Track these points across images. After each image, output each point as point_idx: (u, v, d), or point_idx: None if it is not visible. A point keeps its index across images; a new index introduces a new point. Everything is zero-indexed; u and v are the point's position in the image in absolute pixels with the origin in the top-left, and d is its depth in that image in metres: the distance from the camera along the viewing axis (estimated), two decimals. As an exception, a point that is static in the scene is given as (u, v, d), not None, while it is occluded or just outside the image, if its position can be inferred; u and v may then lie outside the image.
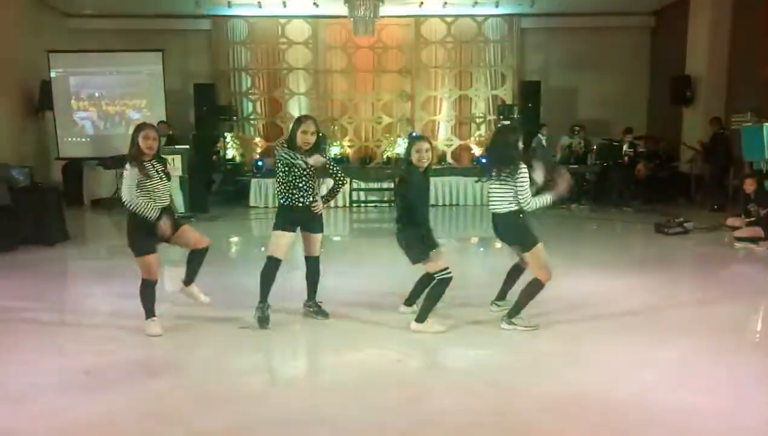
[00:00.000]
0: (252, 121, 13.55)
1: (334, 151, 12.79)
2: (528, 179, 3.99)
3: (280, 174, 4.19)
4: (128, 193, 3.93)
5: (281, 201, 4.25)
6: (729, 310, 4.71)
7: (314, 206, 4.25)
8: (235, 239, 8.71)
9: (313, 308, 4.51)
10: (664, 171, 11.01)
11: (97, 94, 11.58)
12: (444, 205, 11.39)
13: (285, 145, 4.20)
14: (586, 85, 13.25)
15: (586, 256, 6.83)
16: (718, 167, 9.96)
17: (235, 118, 13.09)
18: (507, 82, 13.42)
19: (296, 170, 4.15)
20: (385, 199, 11.36)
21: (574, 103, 13.37)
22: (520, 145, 4.13)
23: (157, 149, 4.05)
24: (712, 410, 2.99)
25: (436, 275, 4.09)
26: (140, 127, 4.09)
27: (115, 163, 10.60)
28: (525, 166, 4.02)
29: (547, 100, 12.68)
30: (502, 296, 4.57)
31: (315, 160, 4.11)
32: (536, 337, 4.08)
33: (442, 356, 3.92)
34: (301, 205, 4.21)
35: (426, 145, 4.14)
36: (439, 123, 13.60)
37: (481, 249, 8.42)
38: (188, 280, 4.38)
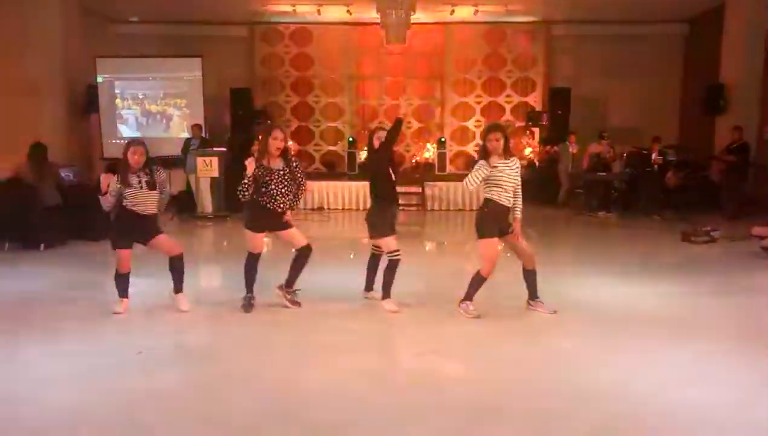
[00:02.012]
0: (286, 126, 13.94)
1: (364, 155, 13.08)
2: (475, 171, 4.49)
3: (262, 183, 4.55)
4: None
5: (262, 203, 4.60)
6: (749, 316, 4.80)
7: (286, 216, 4.72)
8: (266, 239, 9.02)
9: (291, 295, 4.85)
10: (695, 180, 10.95)
11: (140, 96, 12.10)
12: (471, 209, 11.53)
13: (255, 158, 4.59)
14: (617, 93, 13.25)
15: (612, 261, 6.94)
16: (735, 176, 9.97)
17: (269, 121, 13.49)
18: (537, 88, 13.52)
19: (275, 177, 4.54)
20: (414, 202, 11.57)
21: (605, 111, 13.39)
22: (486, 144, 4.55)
23: (144, 162, 4.59)
24: (722, 405, 3.15)
25: (388, 255, 4.75)
26: (130, 143, 4.66)
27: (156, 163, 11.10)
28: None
29: (576, 108, 12.74)
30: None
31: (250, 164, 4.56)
32: (557, 336, 4.26)
33: (462, 349, 4.12)
34: (280, 210, 4.62)
35: (384, 133, 4.83)
36: (468, 129, 13.77)
37: (507, 254, 8.56)
38: (177, 288, 4.83)
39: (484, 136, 4.60)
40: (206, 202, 10.24)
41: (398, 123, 4.95)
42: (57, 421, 2.98)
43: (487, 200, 4.55)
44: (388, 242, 4.77)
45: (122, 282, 4.74)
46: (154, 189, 4.64)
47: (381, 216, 4.81)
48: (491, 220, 4.53)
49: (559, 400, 3.23)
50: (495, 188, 4.49)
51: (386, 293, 4.83)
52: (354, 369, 3.72)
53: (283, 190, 4.60)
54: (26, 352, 3.91)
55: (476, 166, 4.49)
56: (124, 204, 4.56)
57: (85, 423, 2.97)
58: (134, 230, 4.61)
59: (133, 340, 4.17)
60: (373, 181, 4.92)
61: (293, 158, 4.80)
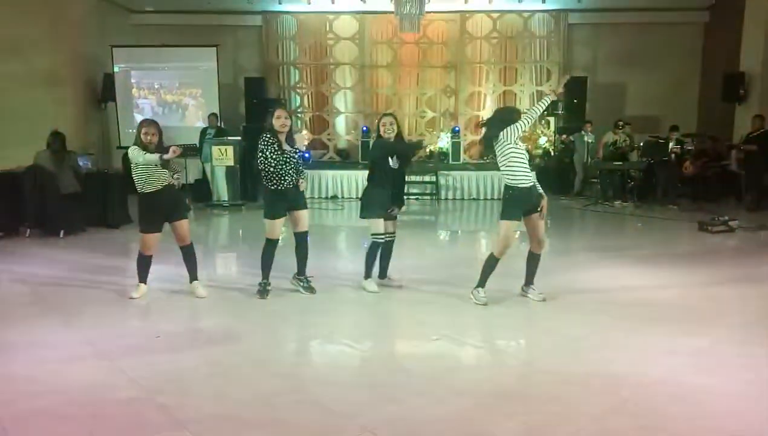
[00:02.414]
0: (299, 114, 13.96)
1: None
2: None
3: (270, 161, 4.60)
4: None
5: (271, 187, 4.68)
6: (763, 306, 4.75)
7: (300, 183, 4.79)
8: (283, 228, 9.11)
9: (303, 282, 4.95)
10: (712, 169, 10.82)
11: (156, 85, 12.20)
12: (486, 199, 11.52)
13: (267, 136, 4.65)
14: (634, 82, 13.08)
15: (628, 250, 6.90)
16: (755, 165, 9.79)
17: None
18: (552, 77, 13.39)
19: (284, 155, 4.61)
20: (428, 192, 11.57)
21: (622, 99, 13.23)
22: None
23: (157, 142, 4.66)
24: (732, 392, 3.16)
25: (371, 235, 4.91)
26: (142, 124, 4.73)
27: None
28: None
29: (593, 97, 12.60)
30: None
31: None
32: (571, 322, 4.26)
33: (476, 335, 4.15)
34: (291, 186, 4.68)
35: (390, 120, 4.93)
36: (482, 118, 13.69)
37: (522, 243, 8.55)
38: (192, 276, 4.97)
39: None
40: (222, 190, 10.33)
41: (418, 144, 5.59)
42: (80, 401, 3.05)
43: (509, 186, 4.60)
44: (376, 224, 4.89)
45: (144, 265, 4.87)
46: (166, 168, 4.71)
47: (371, 197, 4.92)
48: (514, 203, 4.57)
49: (570, 385, 3.24)
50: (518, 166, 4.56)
51: (367, 273, 5.02)
52: (367, 353, 3.77)
53: (290, 171, 4.67)
54: (49, 335, 4.01)
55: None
56: (147, 190, 4.64)
57: (108, 403, 3.04)
58: (163, 208, 4.71)
59: (153, 324, 4.27)
60: (371, 167, 5.03)
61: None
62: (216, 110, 11.67)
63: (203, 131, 11.02)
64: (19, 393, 3.14)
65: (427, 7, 10.84)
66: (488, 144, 4.72)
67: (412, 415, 2.92)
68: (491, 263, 4.62)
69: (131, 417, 2.91)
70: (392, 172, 4.92)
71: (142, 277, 4.88)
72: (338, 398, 3.10)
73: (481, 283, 4.64)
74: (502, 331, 4.20)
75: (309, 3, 12.52)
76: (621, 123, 11.20)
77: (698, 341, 3.89)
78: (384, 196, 4.92)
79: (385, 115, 5.11)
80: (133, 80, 12.16)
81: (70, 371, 3.41)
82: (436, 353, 3.78)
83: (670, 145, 10.63)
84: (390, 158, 4.88)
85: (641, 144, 11.17)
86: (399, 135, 4.97)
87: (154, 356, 3.64)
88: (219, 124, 11.20)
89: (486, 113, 13.60)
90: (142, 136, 4.63)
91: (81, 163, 8.28)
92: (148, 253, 4.82)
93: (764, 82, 10.84)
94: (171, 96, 12.23)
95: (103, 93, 11.97)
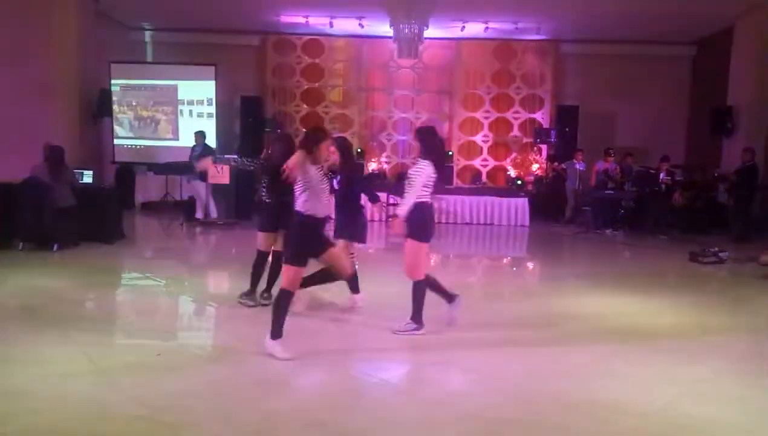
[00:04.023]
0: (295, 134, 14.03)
1: (372, 166, 13.17)
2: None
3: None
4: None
5: (270, 202, 4.83)
6: (756, 337, 4.84)
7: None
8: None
9: (270, 299, 4.87)
10: (701, 201, 11.02)
11: (151, 103, 12.21)
12: (478, 223, 11.60)
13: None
14: (625, 112, 13.36)
15: (621, 279, 6.96)
16: (744, 197, 10.02)
17: (279, 130, 13.58)
18: (545, 105, 13.63)
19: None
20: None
21: (612, 129, 13.48)
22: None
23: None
24: (731, 424, 3.20)
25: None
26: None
27: (166, 169, 11.22)
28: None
29: (584, 126, 12.83)
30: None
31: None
32: (571, 350, 4.29)
33: (475, 361, 4.14)
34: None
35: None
36: (475, 143, 13.87)
37: (514, 269, 8.63)
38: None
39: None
40: (211, 208, 10.36)
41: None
42: (77, 418, 3.01)
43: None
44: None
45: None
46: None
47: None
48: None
49: (573, 414, 3.25)
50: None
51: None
52: (373, 377, 3.76)
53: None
54: (44, 350, 3.94)
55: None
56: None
57: (106, 420, 3.00)
58: None
59: (153, 342, 4.21)
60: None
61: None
62: (213, 128, 11.71)
63: (193, 149, 11.03)
64: (19, 409, 3.09)
65: (425, 34, 11.04)
66: None
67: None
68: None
69: (134, 436, 2.87)
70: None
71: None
72: (336, 423, 3.07)
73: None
74: (502, 358, 4.21)
75: (308, 25, 12.67)
76: (611, 150, 11.40)
77: (698, 371, 3.94)
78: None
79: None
80: (128, 97, 12.17)
81: (70, 388, 3.36)
82: (436, 377, 3.78)
83: (661, 175, 10.82)
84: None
85: (633, 172, 11.36)
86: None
87: (155, 373, 3.60)
88: (205, 142, 11.20)
89: (479, 139, 13.80)
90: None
91: (84, 178, 8.29)
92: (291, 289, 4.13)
93: (751, 116, 11.12)
94: (165, 116, 12.28)
95: (98, 108, 11.96)
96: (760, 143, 10.77)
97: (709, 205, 11.07)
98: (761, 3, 10.45)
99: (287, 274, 3.84)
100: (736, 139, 11.37)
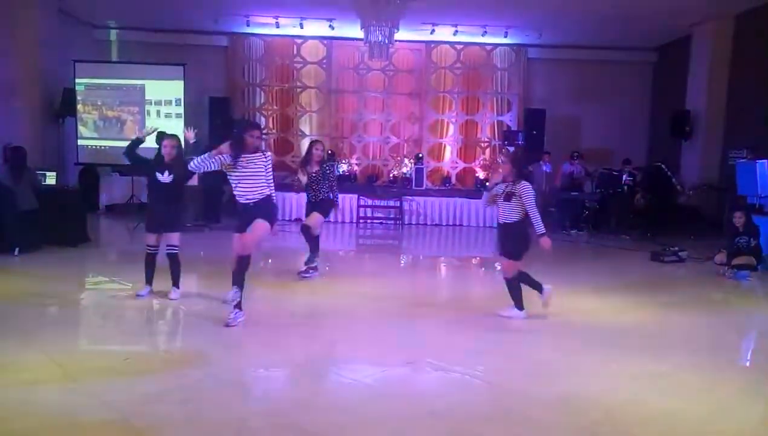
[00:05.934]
0: (264, 136, 13.91)
1: (343, 168, 13.18)
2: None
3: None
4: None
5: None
6: (715, 331, 5.07)
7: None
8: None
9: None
10: (662, 202, 11.35)
11: (117, 103, 11.98)
12: (447, 224, 11.74)
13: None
14: (590, 116, 13.70)
15: (585, 278, 7.17)
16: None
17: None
18: (513, 108, 13.87)
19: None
20: (391, 216, 11.71)
21: (578, 132, 13.81)
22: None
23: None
24: (694, 415, 3.35)
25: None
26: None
27: (131, 170, 10.99)
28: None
29: (551, 128, 13.11)
30: None
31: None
32: (537, 347, 4.40)
33: (445, 360, 4.21)
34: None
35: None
36: (445, 145, 14.01)
37: (483, 269, 8.76)
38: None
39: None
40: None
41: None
42: (53, 425, 2.96)
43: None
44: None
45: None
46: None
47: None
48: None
49: (542, 409, 3.35)
50: None
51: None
52: (344, 377, 3.79)
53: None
54: (9, 357, 3.84)
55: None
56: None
57: (77, 426, 2.96)
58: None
59: (120, 346, 4.15)
60: None
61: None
62: (181, 129, 11.50)
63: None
64: (-16, 418, 3.02)
65: (395, 37, 11.11)
66: None
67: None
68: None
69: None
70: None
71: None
72: (315, 424, 3.10)
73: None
74: (472, 355, 4.29)
75: (278, 26, 12.61)
76: (576, 153, 11.68)
77: (660, 366, 4.09)
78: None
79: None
80: (93, 97, 11.91)
81: (39, 394, 3.29)
82: (408, 377, 3.84)
83: (624, 177, 11.13)
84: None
85: (595, 174, 11.65)
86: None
87: (125, 378, 3.55)
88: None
89: (449, 141, 13.95)
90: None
91: (47, 180, 8.07)
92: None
93: (709, 121, 11.55)
94: (132, 117, 12.05)
95: (62, 108, 11.66)
96: (718, 148, 11.20)
97: (669, 206, 11.41)
98: (716, 14, 10.87)
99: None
100: (694, 143, 11.79)
